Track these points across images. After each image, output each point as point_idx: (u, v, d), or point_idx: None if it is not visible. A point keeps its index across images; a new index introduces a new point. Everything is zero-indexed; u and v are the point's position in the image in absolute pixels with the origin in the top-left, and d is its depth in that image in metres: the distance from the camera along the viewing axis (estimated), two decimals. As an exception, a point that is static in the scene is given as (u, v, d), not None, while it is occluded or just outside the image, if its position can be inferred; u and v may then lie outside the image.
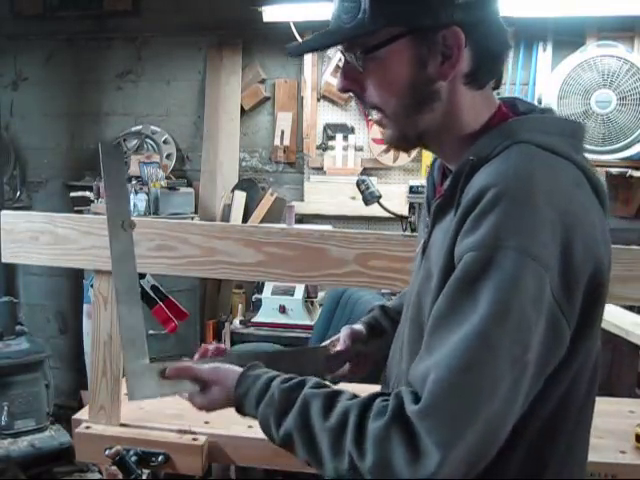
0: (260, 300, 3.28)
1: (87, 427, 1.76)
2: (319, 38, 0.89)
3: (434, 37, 0.81)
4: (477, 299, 0.74)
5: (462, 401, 0.72)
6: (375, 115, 0.90)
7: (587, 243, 0.78)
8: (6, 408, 3.11)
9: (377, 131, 3.47)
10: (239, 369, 0.97)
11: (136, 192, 3.36)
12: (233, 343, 3.23)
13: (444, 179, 0.94)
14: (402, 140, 0.90)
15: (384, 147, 3.48)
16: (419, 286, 0.91)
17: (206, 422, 1.77)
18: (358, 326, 1.27)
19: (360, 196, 2.28)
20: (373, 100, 0.88)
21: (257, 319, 3.26)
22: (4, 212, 1.79)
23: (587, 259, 0.77)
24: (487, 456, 0.74)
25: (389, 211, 2.62)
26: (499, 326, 0.72)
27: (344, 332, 1.25)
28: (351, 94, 0.93)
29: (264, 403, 0.89)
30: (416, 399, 0.74)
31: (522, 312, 0.73)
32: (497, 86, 0.90)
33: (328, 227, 3.21)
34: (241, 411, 0.95)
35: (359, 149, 3.61)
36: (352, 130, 3.61)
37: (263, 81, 3.72)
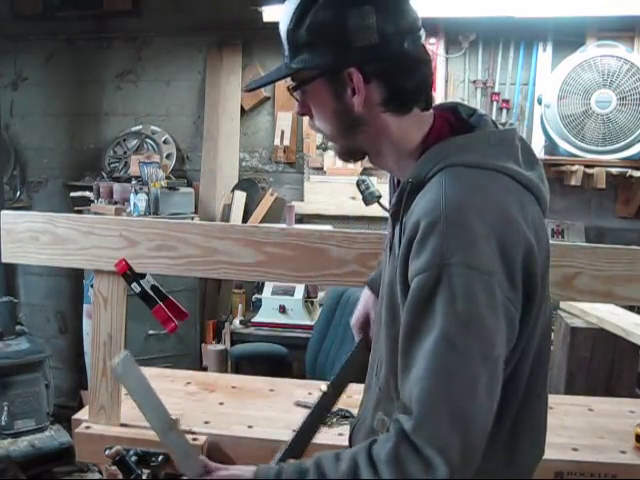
0: (260, 300, 3.28)
1: (87, 427, 1.76)
2: (268, 75, 1.09)
3: (341, 76, 0.98)
4: (435, 312, 0.85)
5: (448, 404, 0.81)
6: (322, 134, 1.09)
7: (518, 239, 0.90)
8: (6, 408, 3.11)
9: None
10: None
11: (136, 192, 3.36)
12: (233, 343, 3.23)
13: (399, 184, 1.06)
14: (346, 154, 1.09)
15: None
16: (389, 277, 1.03)
17: (206, 422, 1.77)
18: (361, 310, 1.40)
19: (360, 196, 2.29)
20: (316, 124, 1.06)
21: (257, 319, 3.27)
22: (4, 212, 1.79)
23: (519, 251, 0.90)
24: (483, 444, 0.83)
25: (389, 211, 2.62)
26: (462, 332, 0.83)
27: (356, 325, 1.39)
28: None
29: None
30: (410, 417, 0.83)
31: (480, 317, 0.84)
32: (427, 108, 1.04)
33: (328, 227, 3.21)
34: None
35: (359, 149, 3.61)
36: (352, 130, 3.61)
37: (263, 81, 3.72)
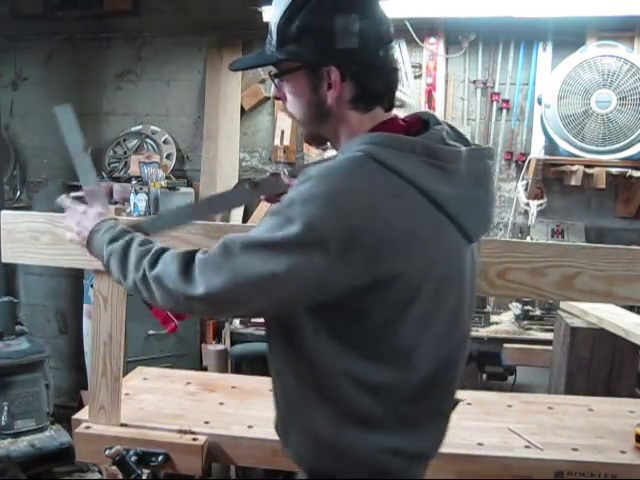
0: (260, 300, 3.27)
1: (87, 427, 1.76)
2: (251, 58, 1.23)
3: (320, 71, 1.09)
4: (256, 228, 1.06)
5: (221, 261, 1.03)
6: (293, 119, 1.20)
7: (377, 245, 0.98)
8: (6, 408, 3.11)
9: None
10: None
11: (136, 192, 3.36)
12: (233, 343, 3.23)
13: None
14: (311, 139, 1.21)
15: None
16: None
17: (206, 422, 1.77)
18: None
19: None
20: (289, 109, 1.17)
21: (257, 319, 3.26)
22: (4, 212, 1.79)
23: (366, 240, 0.98)
24: (236, 302, 1.05)
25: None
26: (280, 242, 0.99)
27: None
28: None
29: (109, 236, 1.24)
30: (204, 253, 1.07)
31: (262, 246, 1.01)
32: (389, 109, 1.15)
33: (328, 227, 3.21)
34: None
35: (359, 149, 3.61)
36: (352, 130, 3.61)
37: (263, 81, 3.72)
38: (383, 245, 0.99)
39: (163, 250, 1.14)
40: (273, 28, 1.11)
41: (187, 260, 1.07)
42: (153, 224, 1.43)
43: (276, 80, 1.16)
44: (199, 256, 1.06)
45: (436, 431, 1.19)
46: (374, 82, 1.11)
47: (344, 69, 1.08)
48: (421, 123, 1.14)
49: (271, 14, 1.12)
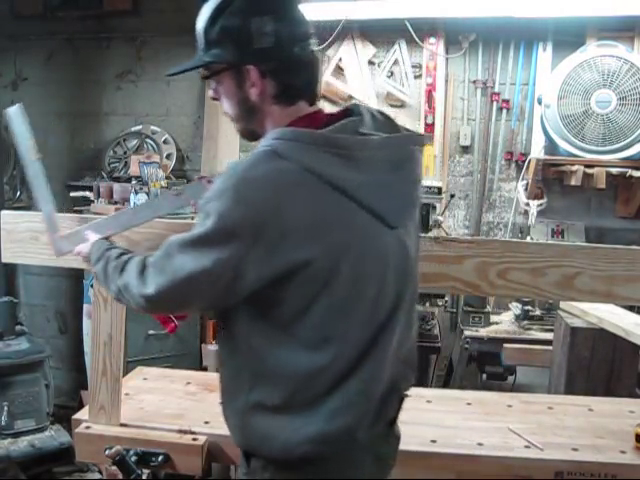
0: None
1: (87, 427, 1.76)
2: (185, 63, 1.26)
3: (242, 71, 1.18)
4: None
5: (164, 263, 1.14)
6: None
7: (283, 232, 1.06)
8: (6, 408, 3.11)
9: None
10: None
11: (136, 192, 3.35)
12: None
13: None
14: (244, 134, 1.29)
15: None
16: None
17: (206, 422, 1.77)
18: None
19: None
20: (224, 108, 1.27)
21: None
22: (4, 212, 1.79)
23: (267, 226, 1.06)
24: (183, 298, 1.16)
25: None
26: (201, 239, 1.09)
27: None
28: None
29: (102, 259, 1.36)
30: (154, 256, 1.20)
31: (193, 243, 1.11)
32: (312, 103, 1.24)
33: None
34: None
35: (359, 149, 3.61)
36: (352, 130, 3.61)
37: (263, 81, 3.72)
38: (288, 233, 1.07)
39: (129, 259, 1.27)
40: (200, 33, 1.21)
41: (142, 265, 1.20)
42: (98, 228, 1.54)
43: (211, 82, 1.25)
44: (149, 260, 1.19)
45: (362, 412, 1.19)
46: (293, 78, 1.20)
47: (263, 67, 1.17)
48: (344, 115, 1.21)
49: (198, 21, 1.22)
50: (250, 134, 1.28)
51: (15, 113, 1.58)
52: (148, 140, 3.87)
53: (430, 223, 2.82)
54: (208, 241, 1.09)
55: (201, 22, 1.21)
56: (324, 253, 1.10)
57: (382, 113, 1.27)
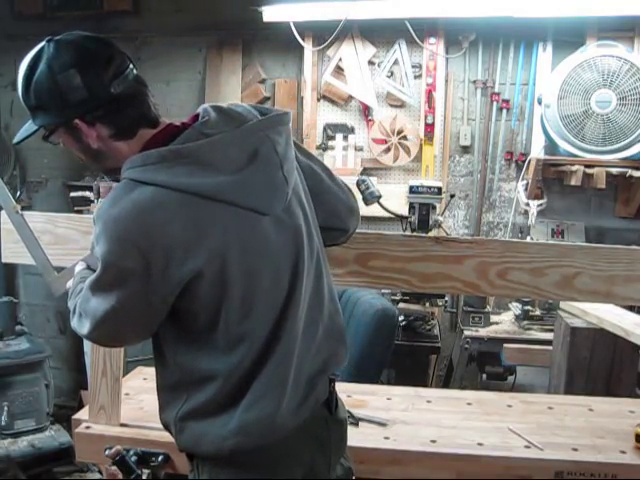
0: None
1: (87, 427, 1.76)
2: (24, 130, 1.32)
3: (72, 125, 1.21)
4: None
5: (85, 306, 1.21)
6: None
7: (166, 253, 1.11)
8: (6, 408, 3.11)
9: (377, 131, 3.48)
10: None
11: (136, 192, 3.36)
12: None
13: None
14: (106, 173, 1.33)
15: (383, 147, 3.48)
16: None
17: (206, 422, 1.77)
18: None
19: (360, 196, 2.28)
20: (76, 155, 1.30)
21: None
22: (4, 212, 1.79)
23: (156, 251, 1.11)
24: (109, 335, 1.25)
25: (389, 211, 2.62)
26: (101, 282, 1.16)
27: None
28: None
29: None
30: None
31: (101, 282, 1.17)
32: (155, 124, 1.25)
33: (328, 227, 3.20)
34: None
35: (359, 149, 3.61)
36: (352, 130, 3.61)
37: (263, 81, 3.72)
38: (171, 251, 1.11)
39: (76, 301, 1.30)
40: (22, 102, 1.25)
41: (75, 307, 1.27)
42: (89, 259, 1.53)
43: (53, 139, 1.28)
44: (78, 302, 1.25)
45: (278, 397, 1.23)
46: (122, 115, 1.21)
47: (88, 117, 1.20)
48: (194, 120, 1.23)
49: (18, 89, 1.26)
50: (111, 172, 1.29)
51: None
52: (148, 140, 3.87)
53: (430, 223, 2.81)
54: (107, 284, 1.15)
55: (19, 92, 1.25)
56: (208, 259, 1.14)
57: (240, 105, 1.28)
